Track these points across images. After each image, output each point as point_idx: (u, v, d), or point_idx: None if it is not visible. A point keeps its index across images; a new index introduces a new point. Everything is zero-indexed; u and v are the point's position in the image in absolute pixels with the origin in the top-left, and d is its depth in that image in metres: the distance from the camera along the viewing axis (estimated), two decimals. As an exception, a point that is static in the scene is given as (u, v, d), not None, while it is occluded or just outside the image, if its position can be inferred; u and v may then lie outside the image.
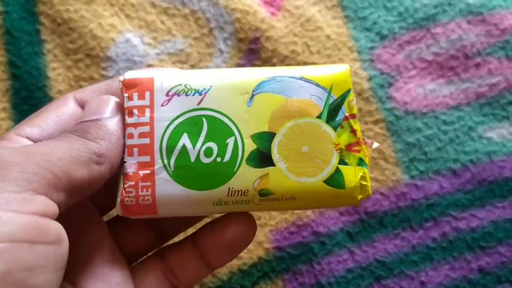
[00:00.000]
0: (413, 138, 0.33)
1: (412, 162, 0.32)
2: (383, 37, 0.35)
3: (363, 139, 0.23)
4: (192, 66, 0.34)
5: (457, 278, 0.30)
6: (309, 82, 0.23)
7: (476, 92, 0.34)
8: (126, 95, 0.22)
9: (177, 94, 0.22)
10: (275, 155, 0.22)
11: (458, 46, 0.34)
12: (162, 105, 0.22)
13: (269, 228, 0.31)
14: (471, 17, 0.35)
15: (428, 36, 0.35)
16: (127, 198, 0.21)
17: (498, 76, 0.34)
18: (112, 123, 0.21)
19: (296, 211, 0.31)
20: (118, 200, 0.22)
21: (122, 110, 0.22)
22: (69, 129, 0.21)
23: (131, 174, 0.22)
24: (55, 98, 0.33)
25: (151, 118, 0.22)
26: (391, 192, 0.32)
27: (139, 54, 0.33)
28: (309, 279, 0.30)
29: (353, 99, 0.23)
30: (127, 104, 0.22)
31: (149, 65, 0.33)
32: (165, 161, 0.22)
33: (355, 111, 0.23)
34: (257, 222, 0.31)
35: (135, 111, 0.22)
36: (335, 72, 0.23)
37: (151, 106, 0.22)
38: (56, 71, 0.33)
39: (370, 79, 0.34)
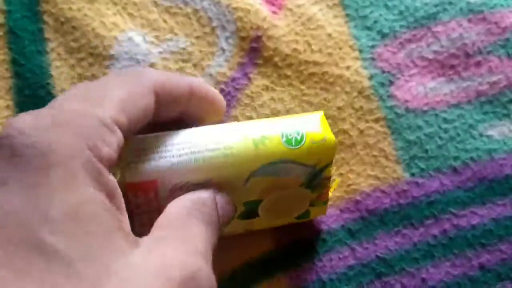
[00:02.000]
0: (414, 136, 0.33)
1: (413, 160, 0.32)
2: (384, 36, 0.35)
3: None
4: (194, 65, 0.34)
5: (457, 275, 0.31)
6: (298, 164, 0.24)
7: (477, 90, 0.34)
8: (130, 194, 0.22)
9: (180, 188, 0.23)
10: (261, 211, 0.26)
11: (459, 44, 0.35)
12: (166, 196, 0.23)
13: (270, 225, 0.31)
14: (472, 16, 0.35)
15: (429, 35, 0.35)
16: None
17: (499, 74, 0.34)
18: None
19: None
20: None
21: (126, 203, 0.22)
22: None
23: None
24: (58, 96, 0.33)
25: (158, 205, 0.23)
26: (391, 190, 0.32)
27: (142, 52, 0.34)
28: (311, 276, 0.30)
29: (331, 168, 0.25)
30: (135, 201, 0.22)
31: (152, 64, 0.34)
32: None
33: (330, 174, 0.26)
34: (259, 219, 0.31)
35: (142, 205, 0.23)
36: (323, 150, 0.24)
37: (156, 199, 0.23)
38: (59, 69, 0.33)
39: (371, 77, 0.34)
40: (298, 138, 0.23)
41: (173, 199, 0.23)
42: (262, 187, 0.24)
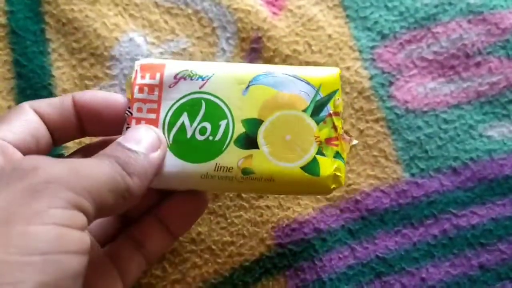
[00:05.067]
0: (414, 137, 0.33)
1: (413, 160, 0.33)
2: (384, 37, 0.35)
3: (342, 135, 0.25)
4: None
5: (457, 275, 0.31)
6: (300, 80, 0.25)
7: (477, 91, 0.34)
8: (140, 74, 0.25)
9: (183, 78, 0.25)
10: (261, 140, 0.25)
11: (459, 45, 0.35)
12: (169, 87, 0.25)
13: (270, 225, 0.31)
14: (472, 17, 0.35)
15: (429, 35, 0.35)
16: None
17: (499, 75, 0.34)
18: (150, 162, 0.23)
19: (298, 210, 0.32)
20: None
21: (132, 86, 0.25)
22: (111, 153, 0.22)
23: None
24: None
25: (159, 97, 0.25)
26: (392, 190, 0.32)
27: (143, 53, 0.34)
28: (311, 276, 0.30)
29: (339, 99, 0.25)
30: (139, 81, 0.25)
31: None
32: (166, 134, 0.25)
33: (340, 109, 0.25)
34: (259, 219, 0.31)
35: (146, 88, 0.25)
36: (326, 73, 0.25)
37: (160, 86, 0.25)
38: (60, 70, 0.33)
39: (371, 78, 0.34)
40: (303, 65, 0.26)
41: (173, 95, 0.25)
42: (262, 100, 0.25)
